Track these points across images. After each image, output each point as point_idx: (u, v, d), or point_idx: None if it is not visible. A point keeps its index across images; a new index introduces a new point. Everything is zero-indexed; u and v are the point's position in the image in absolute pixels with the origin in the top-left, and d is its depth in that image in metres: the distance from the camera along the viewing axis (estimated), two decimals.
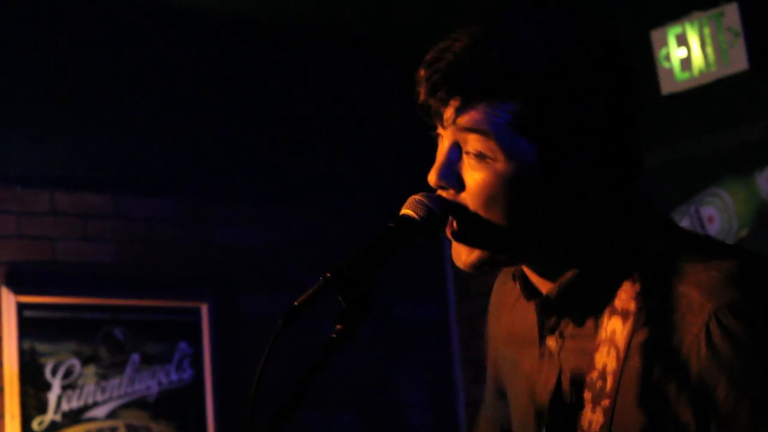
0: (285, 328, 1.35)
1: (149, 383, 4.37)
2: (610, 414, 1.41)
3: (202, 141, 4.70)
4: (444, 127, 1.45)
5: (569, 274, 1.46)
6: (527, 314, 1.58)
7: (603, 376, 1.43)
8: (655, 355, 1.39)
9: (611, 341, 1.43)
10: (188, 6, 4.63)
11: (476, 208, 1.43)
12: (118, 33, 4.51)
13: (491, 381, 1.79)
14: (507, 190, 1.41)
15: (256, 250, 4.75)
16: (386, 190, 4.93)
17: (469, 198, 1.44)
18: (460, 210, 1.45)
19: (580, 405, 1.46)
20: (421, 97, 1.44)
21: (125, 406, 4.31)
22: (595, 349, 1.44)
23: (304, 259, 4.80)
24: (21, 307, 4.16)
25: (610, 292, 1.45)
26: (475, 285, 4.90)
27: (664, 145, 4.42)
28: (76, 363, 4.24)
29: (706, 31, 4.27)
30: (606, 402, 1.42)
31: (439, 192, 1.47)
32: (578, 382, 1.47)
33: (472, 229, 1.45)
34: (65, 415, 4.18)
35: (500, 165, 1.40)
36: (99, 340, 4.31)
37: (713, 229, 4.38)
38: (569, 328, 1.49)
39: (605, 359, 1.43)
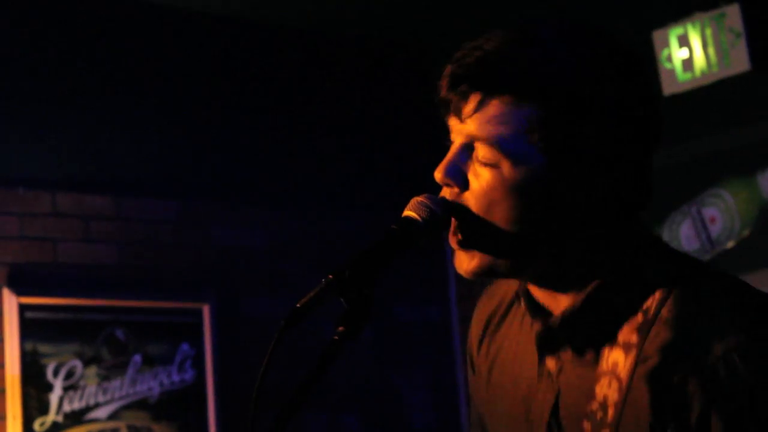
0: (287, 329, 1.35)
1: (151, 384, 4.37)
2: None
3: (203, 142, 4.70)
4: (461, 121, 1.44)
5: (573, 302, 1.45)
6: (522, 333, 1.57)
7: (604, 407, 1.42)
8: (659, 388, 1.38)
9: (613, 373, 1.42)
10: (188, 7, 4.63)
11: (478, 210, 1.43)
12: (118, 34, 4.52)
13: (475, 411, 1.76)
14: (510, 195, 1.41)
15: (258, 252, 4.76)
16: (386, 191, 4.93)
17: (472, 199, 1.44)
18: (462, 211, 1.44)
19: None
20: (443, 91, 1.44)
21: (127, 407, 4.31)
22: (596, 380, 1.44)
23: (306, 260, 4.81)
24: (23, 309, 4.16)
25: (612, 324, 1.44)
26: (477, 286, 4.89)
27: (665, 145, 4.41)
28: (77, 364, 4.24)
29: (708, 31, 4.27)
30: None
31: (444, 189, 1.46)
32: (577, 413, 1.45)
33: (472, 231, 1.45)
34: (67, 416, 4.18)
35: (507, 170, 1.40)
36: (101, 341, 4.31)
37: (715, 230, 4.37)
38: (569, 353, 1.48)
39: (606, 391, 1.42)
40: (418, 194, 1.47)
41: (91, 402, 4.24)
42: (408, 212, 1.45)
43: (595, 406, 1.43)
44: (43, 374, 4.16)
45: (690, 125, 4.43)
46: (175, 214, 4.59)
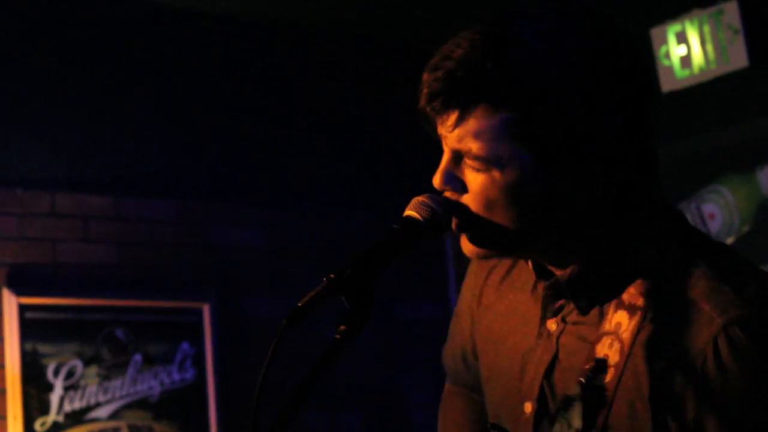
0: (289, 328, 1.35)
1: (151, 384, 4.37)
2: (608, 405, 1.41)
3: (203, 142, 4.70)
4: (443, 134, 1.45)
5: (580, 264, 1.47)
6: (523, 293, 1.59)
7: (603, 367, 1.43)
8: (660, 354, 1.39)
9: (615, 334, 1.43)
10: (189, 7, 4.63)
11: (478, 210, 1.45)
12: (118, 34, 4.52)
13: (458, 352, 1.83)
14: (505, 195, 1.42)
15: (258, 251, 4.76)
16: (386, 191, 4.93)
17: (470, 200, 1.45)
18: (462, 210, 1.46)
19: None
20: (422, 102, 1.44)
21: (128, 407, 4.31)
22: (597, 339, 1.45)
23: (306, 259, 4.81)
24: (23, 309, 4.16)
25: (619, 285, 1.45)
26: None
27: (664, 142, 4.41)
28: (78, 364, 4.24)
29: (706, 28, 4.27)
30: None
31: (445, 193, 1.48)
32: (573, 375, 1.46)
33: (474, 228, 1.46)
34: (68, 415, 4.18)
35: (497, 173, 1.42)
36: (101, 341, 4.31)
37: (714, 226, 4.38)
38: (573, 314, 1.50)
39: (607, 350, 1.43)
40: (418, 194, 1.48)
41: (92, 402, 4.24)
42: (409, 212, 1.46)
43: (593, 365, 1.43)
44: (43, 374, 4.16)
45: (688, 122, 4.43)
46: (175, 214, 4.59)
